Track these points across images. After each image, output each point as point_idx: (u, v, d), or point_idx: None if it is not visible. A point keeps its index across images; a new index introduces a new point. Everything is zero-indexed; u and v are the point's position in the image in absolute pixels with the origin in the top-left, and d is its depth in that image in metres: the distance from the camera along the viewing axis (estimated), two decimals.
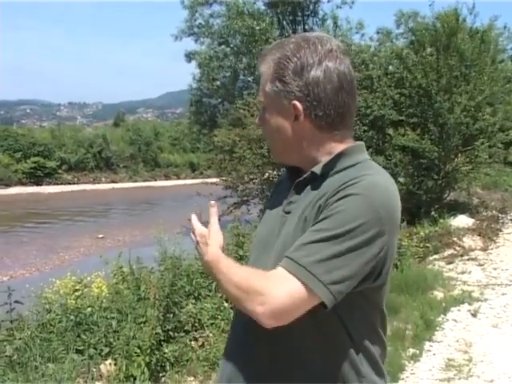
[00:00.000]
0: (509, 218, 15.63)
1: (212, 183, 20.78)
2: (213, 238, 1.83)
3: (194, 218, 1.91)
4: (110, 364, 5.63)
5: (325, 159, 1.82)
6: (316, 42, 1.79)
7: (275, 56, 1.83)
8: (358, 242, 1.63)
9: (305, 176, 1.84)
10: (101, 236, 25.41)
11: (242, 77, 35.46)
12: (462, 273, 10.39)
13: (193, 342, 6.37)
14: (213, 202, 1.93)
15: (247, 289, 1.67)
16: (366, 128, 16.15)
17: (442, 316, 7.83)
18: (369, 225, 1.64)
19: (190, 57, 35.52)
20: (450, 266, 10.95)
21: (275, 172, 17.00)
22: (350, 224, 1.63)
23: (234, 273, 1.73)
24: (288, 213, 1.87)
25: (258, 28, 30.67)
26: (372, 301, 1.79)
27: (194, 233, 1.86)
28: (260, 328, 1.69)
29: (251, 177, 18.62)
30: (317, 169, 1.82)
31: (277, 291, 1.63)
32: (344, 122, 1.84)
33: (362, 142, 1.93)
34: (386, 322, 1.89)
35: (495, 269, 10.59)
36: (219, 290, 7.32)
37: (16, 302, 6.71)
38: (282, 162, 1.98)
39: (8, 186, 55.70)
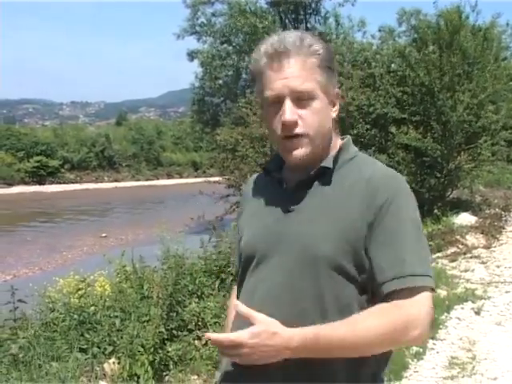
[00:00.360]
0: None
1: (215, 182, 20.79)
2: (272, 325, 1.63)
3: (211, 335, 1.67)
4: (114, 363, 5.63)
5: (331, 153, 1.87)
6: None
7: (318, 45, 1.81)
8: (422, 230, 1.82)
9: (315, 171, 1.82)
10: (104, 235, 25.43)
11: (244, 75, 35.41)
12: (465, 271, 10.38)
13: (196, 341, 6.36)
14: (236, 303, 1.72)
15: (393, 329, 1.63)
16: (368, 126, 16.14)
17: (446, 314, 7.82)
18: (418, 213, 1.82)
19: (192, 56, 35.52)
20: (453, 264, 10.94)
21: None
22: (417, 218, 1.79)
23: (365, 328, 1.63)
24: (292, 211, 1.83)
25: (260, 26, 30.66)
26: None
27: (234, 345, 1.61)
28: None
29: None
30: (328, 163, 1.83)
31: (420, 311, 1.66)
32: None
33: (349, 136, 2.01)
34: None
35: (498, 266, 10.58)
36: (222, 289, 7.34)
37: (19, 300, 6.72)
38: (308, 158, 1.81)
39: (11, 185, 55.87)
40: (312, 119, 1.79)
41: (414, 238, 1.73)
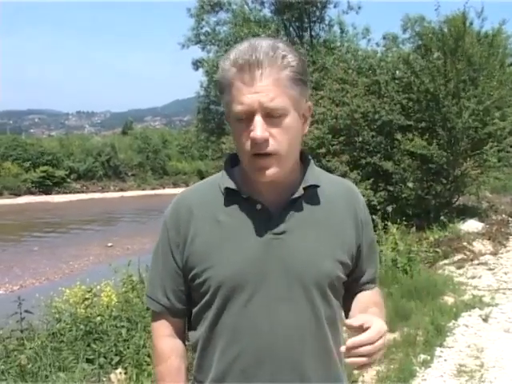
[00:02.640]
0: None
1: None
2: (378, 325, 1.66)
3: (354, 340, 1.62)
4: (121, 373, 5.62)
5: (297, 169, 1.83)
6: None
7: (292, 57, 1.69)
8: None
9: (302, 192, 1.77)
10: (110, 244, 25.46)
11: None
12: (473, 277, 10.34)
13: None
14: (348, 322, 1.66)
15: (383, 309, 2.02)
16: (374, 133, 16.12)
17: (453, 321, 7.78)
18: None
19: (197, 65, 35.58)
20: (460, 271, 10.89)
21: None
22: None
23: (380, 312, 1.92)
24: (281, 233, 1.75)
25: (263, 36, 30.71)
26: None
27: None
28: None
29: None
30: (315, 181, 1.80)
31: None
32: None
33: None
34: None
35: (506, 273, 10.53)
36: None
37: (26, 311, 6.73)
38: (278, 177, 1.73)
39: (17, 195, 55.95)
40: (283, 138, 1.68)
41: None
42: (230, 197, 1.81)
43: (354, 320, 1.64)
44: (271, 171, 1.70)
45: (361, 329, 1.61)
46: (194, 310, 1.86)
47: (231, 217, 1.79)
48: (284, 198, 1.78)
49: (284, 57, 1.67)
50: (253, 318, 1.74)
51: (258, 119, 1.65)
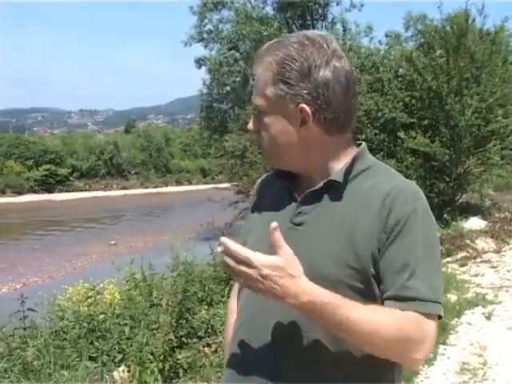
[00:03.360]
0: None
1: (224, 188, 20.83)
2: (293, 267, 1.52)
3: (227, 241, 1.50)
4: (124, 371, 5.62)
5: (339, 165, 1.75)
6: (321, 42, 1.70)
7: (277, 56, 1.69)
8: (438, 252, 1.71)
9: (321, 185, 1.73)
10: (113, 243, 25.48)
11: (251, 81, 35.43)
12: (476, 275, 10.34)
13: (206, 348, 6.35)
14: (274, 225, 1.52)
15: (402, 340, 1.55)
16: (377, 131, 16.13)
17: (456, 319, 7.78)
18: (435, 233, 1.72)
19: (199, 62, 35.58)
20: (463, 269, 10.89)
21: None
22: (432, 242, 1.67)
23: (375, 321, 1.54)
24: (298, 224, 1.74)
25: (265, 34, 30.68)
26: None
27: (246, 262, 1.48)
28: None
29: None
30: (338, 176, 1.72)
31: (430, 338, 1.58)
32: (350, 124, 1.77)
33: (365, 143, 1.85)
34: None
35: (509, 271, 10.53)
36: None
37: (29, 309, 6.73)
38: (280, 168, 1.85)
39: (20, 193, 56.05)
40: (264, 133, 1.77)
41: (434, 263, 1.65)
42: (279, 182, 1.87)
43: (275, 229, 1.52)
44: (266, 161, 1.89)
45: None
46: None
47: (272, 201, 1.87)
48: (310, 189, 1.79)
49: (266, 56, 1.72)
50: (246, 305, 1.80)
51: (253, 115, 1.80)
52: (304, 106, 1.69)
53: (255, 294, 1.56)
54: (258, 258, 1.48)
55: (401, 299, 1.58)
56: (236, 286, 2.02)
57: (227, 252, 1.49)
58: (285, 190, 1.83)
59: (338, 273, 1.65)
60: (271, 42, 1.77)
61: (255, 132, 1.80)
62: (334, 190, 1.73)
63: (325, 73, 1.68)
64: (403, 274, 1.59)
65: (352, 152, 1.77)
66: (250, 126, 1.81)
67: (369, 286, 1.64)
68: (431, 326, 1.58)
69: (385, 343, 1.54)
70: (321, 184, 1.73)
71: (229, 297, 2.14)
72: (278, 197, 1.85)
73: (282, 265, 1.49)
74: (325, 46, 1.70)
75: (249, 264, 1.48)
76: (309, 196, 1.76)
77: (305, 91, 1.68)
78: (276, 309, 1.64)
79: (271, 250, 1.54)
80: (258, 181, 2.07)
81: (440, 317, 1.61)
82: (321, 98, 1.68)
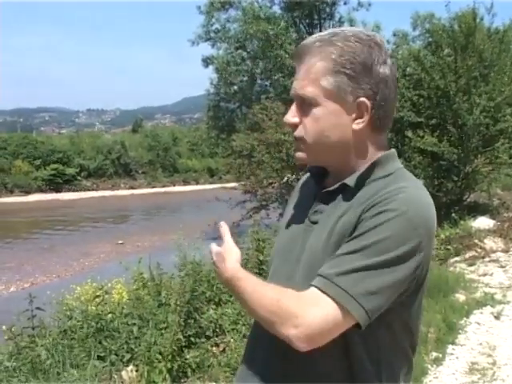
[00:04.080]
0: None
1: (231, 188, 20.83)
2: (229, 254, 1.73)
3: (225, 227, 1.83)
4: (132, 370, 5.62)
5: (360, 168, 1.71)
6: (378, 39, 1.69)
7: (338, 48, 1.65)
8: (392, 257, 1.55)
9: (335, 187, 1.72)
10: (120, 242, 25.52)
11: (259, 81, 35.45)
12: (484, 275, 10.31)
13: (214, 348, 6.36)
14: (222, 223, 1.82)
15: (279, 311, 1.57)
16: None
17: (465, 319, 7.76)
18: (405, 240, 1.56)
19: (207, 62, 35.59)
20: (472, 268, 10.87)
21: (294, 176, 17.00)
22: (385, 240, 1.56)
23: (263, 293, 1.63)
24: (314, 223, 1.75)
25: (271, 33, 30.67)
26: (402, 318, 1.69)
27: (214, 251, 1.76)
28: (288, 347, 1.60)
29: (270, 181, 18.65)
30: (350, 181, 1.69)
31: (311, 313, 1.54)
32: (389, 125, 1.78)
33: (394, 150, 1.82)
34: (417, 340, 1.79)
35: None
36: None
37: (38, 308, 6.74)
38: (317, 164, 1.81)
39: (28, 193, 56.19)
40: (310, 126, 1.70)
41: (364, 255, 1.56)
42: (311, 181, 1.90)
43: (223, 227, 1.83)
44: (298, 154, 1.78)
45: None
46: None
47: (300, 199, 1.92)
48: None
49: (323, 46, 1.67)
50: None
51: (293, 105, 1.75)
52: (364, 99, 1.67)
53: None
54: (212, 249, 1.76)
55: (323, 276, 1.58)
56: None
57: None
58: (314, 188, 1.85)
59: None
60: (323, 33, 1.72)
61: (295, 125, 1.74)
62: (347, 192, 1.71)
63: (384, 70, 1.68)
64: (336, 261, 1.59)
65: (378, 155, 1.74)
66: (290, 118, 1.74)
67: None
68: (322, 307, 1.55)
69: (267, 313, 1.61)
70: (336, 185, 1.72)
71: None
72: (307, 195, 1.88)
73: (220, 252, 1.74)
74: (382, 44, 1.71)
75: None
76: (325, 195, 1.76)
77: (367, 85, 1.67)
78: None
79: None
80: (300, 181, 2.04)
81: (358, 325, 1.55)
82: (380, 94, 1.68)
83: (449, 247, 12.09)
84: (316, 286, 1.58)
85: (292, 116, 1.73)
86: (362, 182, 1.70)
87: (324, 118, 1.68)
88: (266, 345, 1.74)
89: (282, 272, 1.79)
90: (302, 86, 1.69)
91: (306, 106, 1.70)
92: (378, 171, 1.71)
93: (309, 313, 1.54)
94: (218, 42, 35.11)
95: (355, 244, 1.59)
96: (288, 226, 1.88)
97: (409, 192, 1.63)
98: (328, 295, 1.55)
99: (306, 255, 1.72)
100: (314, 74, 1.67)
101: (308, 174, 1.95)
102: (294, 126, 1.74)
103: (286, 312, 1.56)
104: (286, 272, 1.77)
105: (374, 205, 1.61)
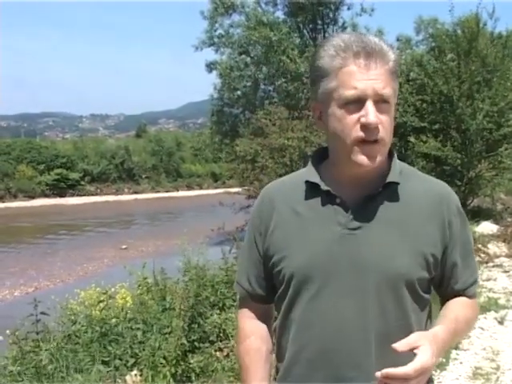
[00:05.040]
0: None
1: (235, 193, 20.83)
2: (430, 350, 1.62)
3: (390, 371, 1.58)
4: (136, 375, 5.63)
5: (386, 164, 1.82)
6: None
7: (395, 54, 1.77)
8: None
9: (380, 189, 1.77)
10: (124, 247, 25.49)
11: (262, 86, 35.45)
12: (488, 280, 10.30)
13: (218, 353, 6.35)
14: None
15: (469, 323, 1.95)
16: None
17: None
18: None
19: (210, 67, 35.62)
20: None
21: None
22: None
23: (458, 327, 1.85)
24: (356, 229, 1.75)
25: (274, 38, 30.69)
26: None
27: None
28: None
29: None
30: (395, 178, 1.79)
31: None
32: None
33: None
34: None
35: None
36: None
37: (42, 313, 6.75)
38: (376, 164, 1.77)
39: (32, 198, 56.26)
40: (389, 125, 1.74)
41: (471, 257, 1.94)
42: (311, 190, 1.84)
43: (400, 345, 1.59)
44: (378, 159, 1.74)
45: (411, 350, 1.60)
46: (275, 299, 1.93)
47: (310, 209, 1.83)
48: (364, 193, 1.78)
49: (389, 51, 1.74)
50: (319, 312, 1.76)
51: (371, 105, 1.70)
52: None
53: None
54: (408, 372, 1.55)
55: (469, 290, 1.92)
56: (246, 311, 2.03)
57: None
58: (322, 195, 1.82)
59: (415, 268, 1.75)
60: (377, 38, 1.78)
61: (376, 126, 1.70)
62: (390, 191, 1.79)
63: None
64: (471, 271, 1.92)
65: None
66: (375, 118, 1.69)
67: (428, 284, 1.84)
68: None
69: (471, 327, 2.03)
70: (380, 188, 1.77)
71: None
72: (313, 204, 1.83)
73: (425, 363, 1.58)
74: None
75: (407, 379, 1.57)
76: (367, 199, 1.78)
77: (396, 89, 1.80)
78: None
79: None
80: (267, 192, 1.99)
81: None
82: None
83: None
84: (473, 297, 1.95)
85: (375, 116, 1.69)
86: (400, 178, 1.81)
87: (393, 117, 1.77)
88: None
89: (344, 290, 1.75)
90: (384, 85, 1.71)
91: (383, 105, 1.72)
92: (397, 164, 1.86)
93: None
94: (222, 48, 35.14)
95: (467, 253, 1.92)
96: (309, 241, 1.80)
97: (446, 185, 2.03)
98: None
99: (370, 264, 1.73)
100: (388, 76, 1.73)
101: (273, 187, 1.99)
102: (376, 128, 1.70)
103: (475, 318, 2.01)
104: (350, 288, 1.74)
105: (449, 207, 1.88)
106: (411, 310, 1.79)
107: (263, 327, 1.99)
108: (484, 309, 8.38)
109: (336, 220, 1.77)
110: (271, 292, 1.94)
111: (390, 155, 1.84)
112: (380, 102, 1.71)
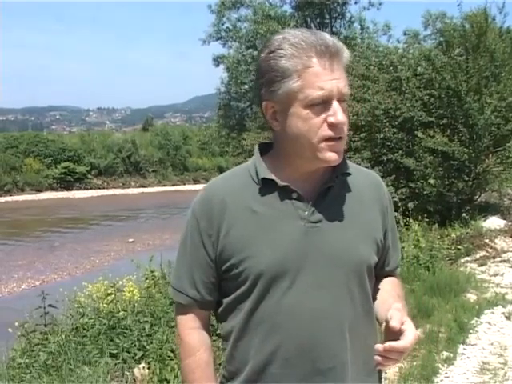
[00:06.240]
0: None
1: None
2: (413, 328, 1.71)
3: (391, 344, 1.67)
4: (144, 368, 5.64)
5: None
6: None
7: (346, 51, 1.79)
8: None
9: (335, 180, 1.83)
10: (131, 240, 25.54)
11: None
12: (495, 275, 10.28)
13: None
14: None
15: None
16: (395, 130, 16.05)
17: (476, 319, 7.74)
18: None
19: (218, 61, 35.63)
20: (483, 268, 10.83)
21: None
22: None
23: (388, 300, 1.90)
24: (318, 221, 1.78)
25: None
26: None
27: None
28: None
29: None
30: (346, 169, 1.86)
31: None
32: None
33: None
34: None
35: None
36: None
37: (50, 305, 6.79)
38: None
39: (39, 191, 56.29)
40: (347, 122, 1.78)
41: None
42: (265, 186, 1.82)
43: (395, 322, 1.65)
44: (341, 155, 1.79)
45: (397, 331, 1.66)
46: (226, 301, 1.87)
47: (267, 206, 1.80)
48: (318, 186, 1.81)
49: (344, 48, 1.77)
50: (292, 307, 1.75)
51: (337, 105, 1.73)
52: None
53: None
54: (407, 346, 1.65)
55: (397, 269, 2.09)
56: (190, 321, 1.95)
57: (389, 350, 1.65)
58: (276, 191, 1.81)
59: (372, 253, 1.86)
60: (329, 35, 1.78)
61: (344, 124, 1.76)
62: (342, 182, 1.86)
63: None
64: (398, 252, 2.09)
65: None
66: (344, 118, 1.74)
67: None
68: None
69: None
70: (335, 179, 1.82)
71: None
72: (270, 201, 1.81)
73: (416, 337, 1.69)
74: None
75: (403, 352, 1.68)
76: (321, 192, 1.81)
77: None
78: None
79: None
80: (211, 194, 1.90)
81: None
82: None
83: (459, 247, 12.05)
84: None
85: (343, 115, 1.74)
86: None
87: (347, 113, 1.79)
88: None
89: (308, 280, 1.76)
90: (345, 84, 1.75)
91: (342, 103, 1.75)
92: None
93: None
94: (229, 41, 35.19)
95: (395, 234, 2.06)
96: (273, 238, 1.78)
97: (376, 175, 2.08)
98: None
99: (336, 253, 1.78)
100: (345, 73, 1.76)
101: (218, 187, 1.92)
102: (343, 126, 1.75)
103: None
104: (322, 278, 1.77)
105: (382, 192, 1.98)
106: (370, 294, 1.88)
107: (207, 337, 1.97)
108: (491, 304, 8.37)
109: (297, 215, 1.78)
110: (219, 297, 1.91)
111: None
112: (341, 100, 1.75)
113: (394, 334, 1.64)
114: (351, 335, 1.78)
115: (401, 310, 1.71)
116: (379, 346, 1.64)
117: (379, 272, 1.97)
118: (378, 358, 1.64)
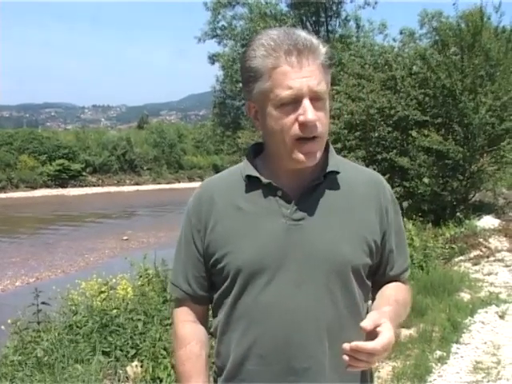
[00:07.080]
0: None
1: None
2: (391, 330, 1.65)
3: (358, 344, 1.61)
4: (137, 366, 5.64)
5: (324, 156, 1.85)
6: None
7: (326, 48, 1.76)
8: None
9: (322, 179, 1.81)
10: (125, 238, 25.53)
11: None
12: (489, 274, 10.30)
13: None
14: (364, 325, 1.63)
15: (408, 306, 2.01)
16: (389, 129, 16.06)
17: (469, 318, 7.75)
18: None
19: (213, 59, 35.62)
20: (477, 268, 10.85)
21: None
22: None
23: (399, 310, 1.88)
24: (300, 219, 1.77)
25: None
26: None
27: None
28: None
29: None
30: (335, 167, 1.83)
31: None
32: None
33: None
34: None
35: None
36: None
37: (43, 303, 6.77)
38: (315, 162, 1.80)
39: (34, 188, 56.27)
40: (325, 121, 1.75)
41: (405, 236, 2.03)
42: (251, 184, 1.83)
43: (367, 322, 1.61)
44: (318, 155, 1.77)
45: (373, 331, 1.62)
46: (215, 296, 1.89)
47: (251, 203, 1.82)
48: (304, 184, 1.80)
49: (319, 45, 1.73)
50: (269, 304, 1.76)
51: (308, 103, 1.69)
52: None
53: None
54: (377, 347, 1.59)
55: (403, 275, 2.01)
56: (185, 314, 1.97)
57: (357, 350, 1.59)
58: (262, 188, 1.82)
59: (360, 254, 1.80)
60: (305, 32, 1.76)
61: (315, 124, 1.71)
62: (331, 180, 1.82)
63: None
64: (405, 257, 2.02)
65: None
66: (314, 116, 1.69)
67: (369, 271, 1.87)
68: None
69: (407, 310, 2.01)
70: (321, 178, 1.80)
71: None
72: (254, 198, 1.83)
73: (391, 340, 1.62)
74: None
75: (373, 354, 1.61)
76: (306, 190, 1.80)
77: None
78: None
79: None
80: (203, 190, 1.95)
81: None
82: None
83: (453, 246, 12.07)
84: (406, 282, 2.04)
85: (313, 114, 1.70)
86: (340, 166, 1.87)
87: (328, 111, 1.77)
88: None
89: (293, 278, 1.76)
90: (318, 82, 1.71)
91: (318, 102, 1.72)
92: (334, 156, 1.89)
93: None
94: (225, 39, 35.16)
95: (401, 240, 1.99)
96: (255, 235, 1.79)
97: (378, 174, 2.02)
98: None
99: (316, 251, 1.76)
100: (321, 71, 1.73)
101: (209, 184, 1.97)
102: (314, 125, 1.71)
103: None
104: (299, 276, 1.76)
105: (383, 193, 1.92)
106: (358, 297, 1.83)
107: (202, 330, 1.97)
108: (485, 303, 8.38)
109: (280, 212, 1.78)
110: (211, 292, 1.92)
111: (326, 147, 1.86)
112: (315, 99, 1.71)
113: (372, 336, 1.61)
114: (331, 337, 1.75)
115: (383, 313, 1.69)
116: (346, 345, 1.59)
117: (382, 277, 1.94)
118: (345, 357, 1.60)
